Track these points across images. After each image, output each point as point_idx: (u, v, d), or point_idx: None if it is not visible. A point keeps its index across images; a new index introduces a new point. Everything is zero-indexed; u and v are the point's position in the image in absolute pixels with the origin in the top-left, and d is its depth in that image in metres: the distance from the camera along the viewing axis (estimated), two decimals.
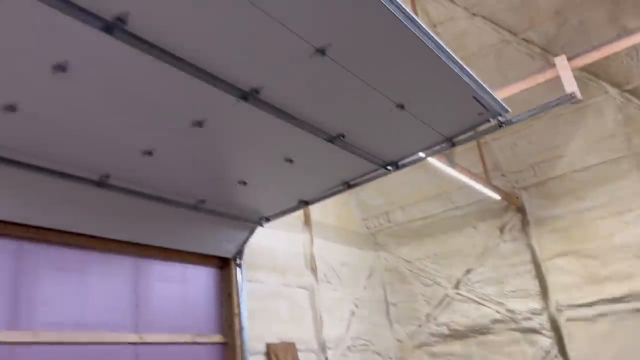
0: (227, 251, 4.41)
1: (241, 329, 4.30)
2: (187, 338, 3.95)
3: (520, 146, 6.22)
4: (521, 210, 6.38)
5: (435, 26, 5.67)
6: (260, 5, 1.97)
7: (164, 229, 3.86)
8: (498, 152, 6.37)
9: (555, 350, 5.78)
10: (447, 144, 3.40)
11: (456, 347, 6.52)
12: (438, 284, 6.83)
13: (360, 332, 6.30)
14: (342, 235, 6.75)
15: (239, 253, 4.51)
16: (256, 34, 2.14)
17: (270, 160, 3.31)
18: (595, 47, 3.60)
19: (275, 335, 4.93)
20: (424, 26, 2.29)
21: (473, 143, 6.01)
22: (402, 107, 2.89)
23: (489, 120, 3.15)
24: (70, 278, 3.38)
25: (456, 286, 6.66)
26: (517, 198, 6.39)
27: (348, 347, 5.96)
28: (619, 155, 5.74)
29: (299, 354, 5.08)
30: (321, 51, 2.30)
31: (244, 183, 3.60)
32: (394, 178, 5.24)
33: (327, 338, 5.61)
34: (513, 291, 6.20)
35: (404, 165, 3.66)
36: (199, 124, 2.75)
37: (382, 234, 7.44)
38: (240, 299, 4.41)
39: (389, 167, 3.66)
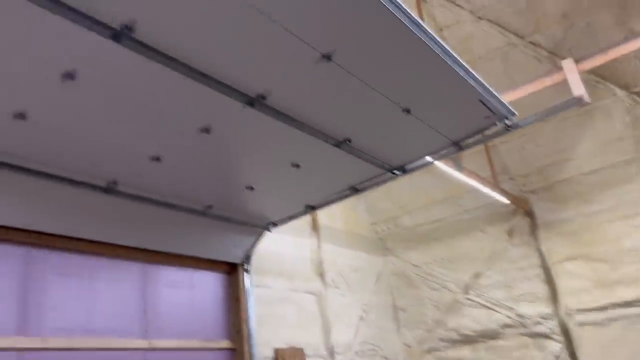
0: (234, 256, 4.42)
1: (249, 334, 4.29)
2: (195, 344, 3.95)
3: (528, 149, 6.19)
4: (529, 213, 6.34)
5: (441, 30, 5.67)
6: (266, 12, 1.99)
7: (172, 235, 3.88)
8: (506, 155, 6.34)
9: (565, 355, 5.72)
10: (454, 147, 3.39)
11: (465, 352, 6.48)
12: (447, 289, 6.80)
13: (368, 337, 6.28)
14: (350, 240, 6.74)
15: (247, 258, 4.51)
16: (262, 40, 2.16)
17: (277, 166, 3.32)
18: (602, 50, 3.58)
19: (284, 340, 4.92)
20: (429, 31, 2.29)
21: (481, 147, 5.99)
22: (408, 111, 2.89)
23: (495, 124, 3.14)
24: (78, 284, 3.39)
25: (465, 291, 6.62)
26: (526, 201, 6.36)
27: (356, 352, 5.94)
28: (628, 157, 5.70)
29: None
30: (327, 57, 2.31)
31: (251, 188, 3.61)
32: (402, 182, 5.25)
33: (335, 343, 5.59)
34: (522, 295, 6.16)
35: (411, 170, 3.66)
36: (206, 130, 2.76)
37: (390, 238, 7.42)
38: (248, 305, 4.41)
39: (396, 172, 3.66)
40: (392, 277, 7.29)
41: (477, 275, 6.56)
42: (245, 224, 4.18)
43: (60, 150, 2.73)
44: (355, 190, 3.86)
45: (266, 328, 4.72)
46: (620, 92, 5.53)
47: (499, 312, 6.28)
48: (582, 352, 5.60)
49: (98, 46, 2.00)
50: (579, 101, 3.14)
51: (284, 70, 2.38)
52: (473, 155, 5.78)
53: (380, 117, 2.94)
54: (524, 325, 6.07)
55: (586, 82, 3.76)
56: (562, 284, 5.92)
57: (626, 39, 3.67)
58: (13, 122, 2.39)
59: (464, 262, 6.71)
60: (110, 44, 1.99)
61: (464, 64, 2.58)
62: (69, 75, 2.15)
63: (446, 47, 2.43)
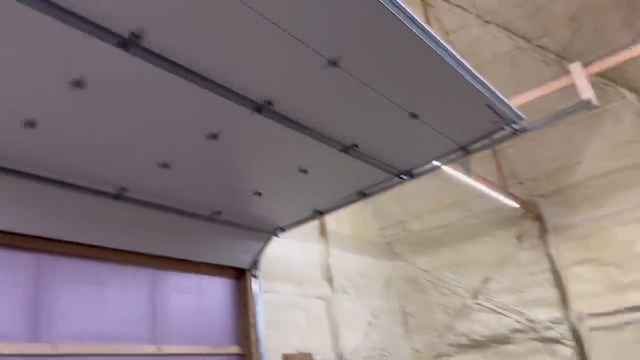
0: (243, 262, 4.43)
1: (258, 339, 4.29)
2: (204, 349, 3.96)
3: (537, 153, 6.16)
4: (539, 218, 6.30)
5: (448, 34, 5.67)
6: (273, 19, 2.00)
7: (181, 241, 3.89)
8: (514, 159, 6.32)
9: None
10: (462, 152, 3.39)
11: (475, 357, 6.44)
12: (456, 294, 6.76)
13: (377, 343, 6.26)
14: (358, 245, 6.73)
15: (255, 264, 4.52)
16: (269, 47, 2.17)
17: (285, 171, 3.33)
18: (610, 53, 3.57)
19: (292, 346, 4.92)
20: (435, 36, 2.30)
21: (489, 151, 5.98)
22: (415, 116, 2.89)
23: (503, 128, 3.13)
24: (88, 290, 3.41)
25: (474, 295, 6.59)
26: (535, 206, 6.32)
27: (365, 358, 5.92)
28: (638, 160, 5.65)
29: None
30: (333, 63, 2.32)
31: (259, 194, 3.62)
32: (410, 187, 5.23)
33: (344, 349, 5.58)
34: (532, 300, 6.12)
35: (419, 174, 3.65)
36: (214, 136, 2.78)
37: (399, 243, 7.40)
38: (256, 310, 4.41)
39: (403, 177, 3.65)
40: (400, 282, 7.27)
41: (486, 280, 6.53)
42: (253, 230, 4.19)
43: (70, 158, 2.76)
44: (363, 195, 3.86)
45: (275, 333, 4.72)
46: (629, 95, 5.49)
47: (509, 317, 6.24)
48: (594, 357, 5.55)
49: (107, 54, 2.02)
50: (587, 105, 3.13)
51: (291, 76, 2.40)
52: (481, 159, 5.76)
53: (387, 122, 2.94)
54: (534, 330, 6.03)
55: (595, 85, 3.74)
56: (572, 288, 5.87)
57: (634, 42, 3.66)
58: (23, 130, 2.41)
59: (473, 267, 6.68)
60: (118, 52, 2.01)
61: (470, 68, 2.58)
62: (78, 84, 2.17)
63: (453, 52, 2.43)
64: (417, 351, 6.86)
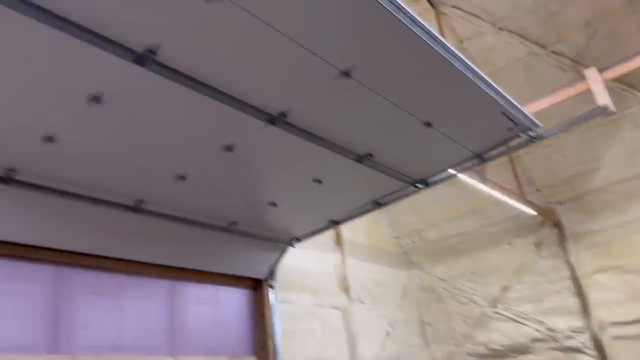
0: (259, 272, 4.44)
1: (275, 350, 4.29)
2: None
3: (554, 160, 6.10)
4: (558, 225, 6.22)
5: (461, 42, 5.66)
6: (285, 32, 2.02)
7: (198, 252, 3.92)
8: (531, 166, 6.26)
9: None
10: (478, 160, 3.37)
11: None
12: (474, 303, 6.70)
13: (395, 353, 6.21)
14: (374, 254, 6.71)
15: (271, 274, 4.52)
16: (282, 59, 2.19)
17: (300, 182, 3.34)
18: (626, 58, 3.53)
19: (310, 356, 4.91)
20: (448, 45, 2.30)
21: (505, 158, 5.93)
22: (429, 125, 2.88)
23: (519, 136, 3.11)
24: (107, 302, 3.45)
25: (493, 304, 6.51)
26: (553, 213, 6.25)
27: None
28: None
29: None
30: (346, 73, 2.33)
31: (275, 204, 3.64)
32: (426, 195, 5.21)
33: (361, 359, 5.55)
34: (552, 309, 6.03)
35: (434, 183, 3.63)
36: (229, 148, 2.81)
37: (416, 252, 7.36)
38: (273, 320, 4.41)
39: (418, 185, 3.64)
40: (418, 291, 7.22)
41: (505, 289, 6.45)
42: (269, 240, 4.21)
43: (88, 171, 2.80)
44: (378, 204, 3.85)
45: (291, 344, 4.71)
46: None
47: (529, 326, 6.15)
48: None
49: (123, 70, 2.06)
50: (603, 111, 3.10)
51: (304, 87, 2.41)
52: (497, 166, 5.72)
53: (401, 132, 2.94)
54: (554, 340, 5.93)
55: (612, 91, 3.71)
56: (593, 296, 5.77)
57: None
58: (43, 145, 2.46)
59: (491, 275, 6.61)
60: (134, 67, 2.05)
61: (485, 77, 2.57)
62: (96, 99, 2.21)
63: (466, 60, 2.43)
64: None
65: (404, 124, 2.84)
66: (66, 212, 3.00)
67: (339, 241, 6.07)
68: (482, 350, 6.46)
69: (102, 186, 2.98)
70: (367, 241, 6.73)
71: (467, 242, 6.91)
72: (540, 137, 3.10)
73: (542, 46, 5.33)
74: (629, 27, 4.82)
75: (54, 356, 3.02)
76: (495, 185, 4.94)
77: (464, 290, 6.81)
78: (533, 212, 5.84)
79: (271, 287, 4.52)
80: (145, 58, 2.02)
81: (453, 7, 5.55)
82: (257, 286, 4.53)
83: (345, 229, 6.17)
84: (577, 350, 5.76)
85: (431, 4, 5.70)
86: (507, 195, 5.18)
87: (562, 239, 6.16)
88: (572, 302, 5.91)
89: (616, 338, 5.52)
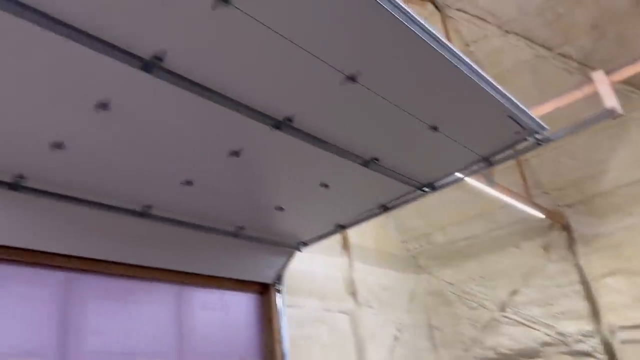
0: (266, 277, 4.44)
1: (282, 355, 4.29)
2: None
3: (562, 162, 6.07)
4: (567, 228, 6.18)
5: (468, 45, 5.65)
6: (290, 37, 2.03)
7: (205, 256, 3.93)
8: (539, 169, 6.23)
9: None
10: (485, 163, 3.36)
11: None
12: (483, 306, 6.66)
13: (403, 358, 6.19)
14: (381, 258, 6.70)
15: (279, 278, 4.53)
16: (288, 65, 2.20)
17: (306, 186, 3.34)
18: (634, 60, 3.51)
19: None
20: (454, 48, 2.30)
21: (512, 161, 5.91)
22: (435, 128, 2.88)
23: (526, 139, 3.10)
24: (116, 307, 3.46)
25: (502, 308, 6.48)
26: (562, 216, 6.21)
27: None
28: None
29: None
30: (352, 78, 2.34)
31: (281, 209, 3.65)
32: (433, 199, 5.21)
33: None
34: (562, 313, 5.98)
35: (441, 187, 3.63)
36: (236, 153, 2.82)
37: (423, 256, 7.34)
38: (281, 325, 4.41)
39: (425, 189, 3.63)
40: (426, 295, 7.19)
41: (513, 293, 6.41)
42: (276, 244, 4.21)
43: (96, 177, 2.82)
44: (385, 208, 3.85)
45: (299, 348, 4.70)
46: None
47: (538, 330, 6.11)
48: None
49: (129, 76, 2.08)
50: (611, 113, 3.08)
51: (310, 93, 2.42)
52: (505, 170, 5.71)
53: (407, 136, 2.94)
54: (564, 344, 5.89)
55: (620, 93, 3.68)
56: (603, 300, 5.72)
57: None
58: (51, 152, 2.49)
59: (499, 279, 6.58)
60: (141, 74, 2.06)
61: (490, 80, 2.57)
62: (103, 105, 2.23)
63: (472, 64, 2.43)
64: None
65: (410, 128, 2.84)
66: (74, 218, 3.02)
67: (346, 245, 6.07)
68: (491, 354, 6.42)
69: (110, 192, 3.00)
70: (375, 245, 6.72)
71: (475, 245, 6.88)
72: (547, 140, 3.09)
73: (549, 49, 5.31)
74: (637, 29, 4.80)
75: None
76: (503, 188, 4.92)
77: (473, 294, 6.78)
78: (541, 215, 5.81)
79: (278, 291, 4.53)
80: (152, 65, 2.04)
81: (459, 10, 5.55)
82: (264, 291, 4.53)
83: (353, 233, 6.17)
84: (587, 354, 5.72)
85: (437, 8, 5.71)
86: (515, 198, 5.16)
87: (571, 242, 6.12)
88: (582, 305, 5.86)
89: (626, 342, 5.47)
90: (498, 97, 2.65)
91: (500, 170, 5.12)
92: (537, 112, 3.80)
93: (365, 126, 2.79)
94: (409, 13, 2.05)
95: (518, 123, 2.91)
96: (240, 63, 2.16)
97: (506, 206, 5.98)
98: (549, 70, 5.42)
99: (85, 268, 3.32)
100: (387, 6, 1.95)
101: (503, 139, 3.12)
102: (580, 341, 5.78)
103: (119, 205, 3.11)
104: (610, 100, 3.17)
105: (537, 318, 6.14)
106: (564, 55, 5.29)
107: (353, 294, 5.82)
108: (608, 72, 3.46)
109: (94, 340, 3.26)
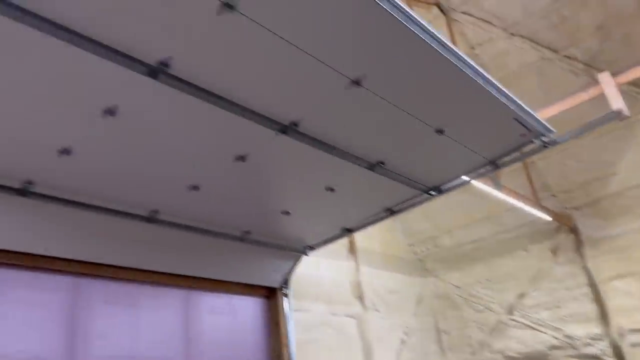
0: (273, 281, 4.45)
1: (290, 359, 4.28)
2: None
3: (569, 165, 6.04)
4: (574, 230, 6.15)
5: (473, 48, 5.65)
6: (295, 42, 2.04)
7: (212, 261, 3.94)
8: (546, 171, 6.21)
9: None
10: (491, 166, 3.35)
11: None
12: (490, 310, 6.63)
13: None
14: (388, 262, 6.69)
15: (285, 282, 4.53)
16: (292, 69, 2.21)
17: (312, 190, 3.35)
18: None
19: None
20: (458, 52, 2.30)
21: (519, 164, 5.89)
22: (441, 132, 2.88)
23: (532, 141, 3.09)
24: (123, 312, 3.48)
25: (509, 311, 6.45)
26: (569, 218, 6.18)
27: None
28: None
29: None
30: (356, 82, 2.34)
31: (288, 213, 3.65)
32: (439, 202, 5.19)
33: None
34: (570, 316, 5.95)
35: (447, 190, 3.62)
36: (242, 158, 2.83)
37: (430, 259, 7.32)
38: (288, 329, 4.41)
39: (432, 192, 3.63)
40: (433, 299, 7.17)
41: (521, 296, 6.38)
42: (283, 249, 4.22)
43: (103, 183, 2.84)
44: (391, 212, 3.84)
45: (306, 353, 4.70)
46: None
47: (546, 333, 6.07)
48: None
49: (136, 83, 2.09)
50: (617, 115, 3.07)
51: (315, 97, 2.43)
52: (511, 172, 5.69)
53: (413, 139, 2.94)
54: (573, 347, 5.85)
55: (627, 94, 3.67)
56: (612, 303, 5.68)
57: None
58: (59, 158, 2.51)
59: (507, 282, 6.55)
60: (147, 80, 2.08)
61: (496, 83, 2.56)
62: (110, 112, 2.25)
63: (477, 67, 2.43)
64: None
65: (416, 131, 2.84)
66: (82, 224, 3.04)
67: (352, 249, 6.06)
68: (499, 358, 6.39)
69: (117, 197, 3.01)
70: (381, 249, 6.71)
71: (482, 248, 6.85)
72: (553, 143, 3.08)
73: (555, 51, 5.30)
74: None
75: None
76: (509, 191, 4.90)
77: (480, 297, 6.75)
78: (548, 218, 5.78)
79: (285, 295, 4.52)
80: (158, 71, 2.06)
81: (464, 13, 5.55)
82: (271, 295, 4.53)
83: (359, 236, 6.16)
84: (596, 357, 5.67)
85: (442, 11, 5.71)
86: (522, 201, 5.14)
87: (578, 245, 6.08)
88: (590, 308, 5.83)
89: (636, 345, 5.42)
90: (504, 99, 2.65)
91: (506, 173, 5.10)
92: (543, 115, 3.79)
93: (370, 130, 2.79)
94: (413, 17, 2.05)
95: (524, 125, 2.90)
96: (246, 68, 2.17)
97: (513, 209, 5.96)
98: (555, 72, 5.40)
99: (93, 273, 3.34)
100: (391, 10, 1.96)
101: (509, 142, 3.11)
102: (589, 344, 5.74)
103: (126, 210, 3.13)
104: (617, 102, 3.15)
105: (545, 321, 6.11)
106: (569, 57, 5.28)
107: (360, 297, 5.82)
108: (614, 74, 3.45)
109: (102, 345, 3.28)
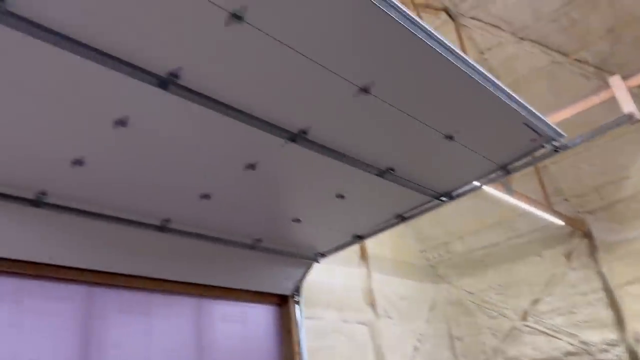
0: (285, 288, 4.45)
1: None
2: None
3: (582, 168, 5.99)
4: (588, 235, 6.09)
5: (482, 53, 5.64)
6: (303, 51, 2.06)
7: (224, 269, 3.96)
8: (558, 175, 6.15)
9: None
10: (502, 171, 3.33)
11: None
12: (504, 316, 6.57)
13: None
14: (400, 268, 6.66)
15: (297, 290, 4.53)
16: (301, 78, 2.22)
17: (322, 198, 3.35)
18: None
19: None
20: (466, 57, 2.30)
21: (531, 168, 5.85)
22: (451, 137, 2.87)
23: (543, 146, 3.07)
24: (137, 320, 3.50)
25: (523, 317, 6.38)
26: (583, 223, 6.11)
27: None
28: None
29: None
30: (365, 90, 2.35)
31: (298, 221, 3.66)
32: (451, 208, 5.16)
33: None
34: (585, 321, 5.87)
35: (458, 196, 3.60)
36: (252, 166, 2.85)
37: (443, 265, 7.27)
38: (300, 336, 4.40)
39: (443, 198, 3.61)
40: (446, 305, 7.12)
41: (535, 301, 6.32)
42: (294, 256, 4.22)
43: (115, 193, 2.87)
44: (402, 218, 3.83)
45: None
46: None
47: (561, 339, 6.00)
48: None
49: (146, 94, 2.12)
50: (629, 118, 3.04)
51: (324, 105, 2.44)
52: (523, 177, 5.65)
53: (422, 145, 2.93)
54: (588, 353, 5.77)
55: (637, 97, 3.63)
56: (628, 308, 5.61)
57: None
58: (72, 169, 2.54)
59: (520, 288, 6.49)
60: (158, 91, 2.10)
61: (505, 88, 2.56)
62: (121, 122, 2.28)
63: (485, 73, 2.42)
64: None
65: (425, 138, 2.84)
66: (95, 233, 3.08)
67: (364, 256, 6.05)
68: None
69: (129, 207, 3.04)
70: (393, 255, 6.69)
71: (495, 254, 6.80)
72: (564, 147, 3.05)
73: (565, 54, 5.27)
74: None
75: None
76: (521, 196, 4.87)
77: (493, 303, 6.69)
78: (561, 223, 5.73)
79: (297, 303, 4.52)
80: (168, 82, 2.08)
81: (472, 18, 5.54)
82: (282, 302, 4.53)
83: (370, 243, 6.15)
84: None
85: (450, 16, 5.71)
86: (534, 206, 5.10)
87: (592, 250, 6.02)
88: (606, 314, 5.75)
89: None
90: (513, 104, 2.64)
91: (518, 178, 5.06)
92: (554, 119, 3.77)
93: (379, 137, 2.80)
94: (420, 24, 2.06)
95: (534, 130, 2.89)
96: (254, 78, 2.19)
97: (525, 214, 5.92)
98: (566, 76, 5.37)
99: (106, 282, 3.37)
100: (398, 18, 1.96)
101: (520, 147, 3.09)
102: (605, 350, 5.66)
103: (138, 219, 3.16)
104: (628, 105, 3.13)
105: (560, 327, 6.04)
106: (580, 61, 5.24)
107: (372, 304, 5.80)
108: (625, 77, 3.42)
109: (116, 354, 3.30)
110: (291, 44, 2.01)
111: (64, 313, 3.14)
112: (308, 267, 4.45)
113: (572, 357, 5.87)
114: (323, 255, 4.39)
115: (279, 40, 1.98)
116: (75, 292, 3.24)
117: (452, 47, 2.22)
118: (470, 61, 2.32)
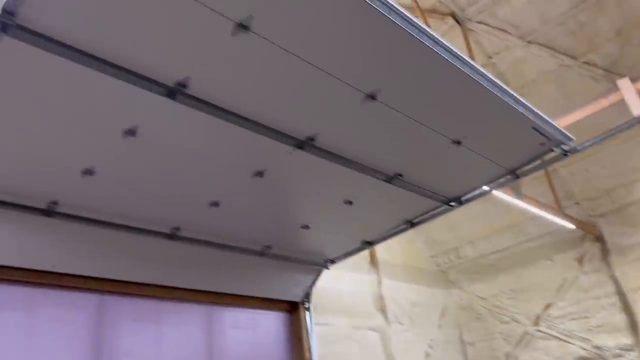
0: (295, 295, 4.45)
1: None
2: None
3: (592, 172, 5.94)
4: (600, 239, 6.03)
5: (490, 57, 5.63)
6: (309, 59, 2.07)
7: (234, 276, 3.97)
8: (569, 179, 6.11)
9: None
10: (511, 176, 3.32)
11: None
12: (516, 321, 6.52)
13: None
14: (410, 274, 6.63)
15: (307, 296, 4.52)
16: (308, 86, 2.24)
17: (331, 204, 3.36)
18: None
19: None
20: (473, 63, 2.30)
21: (541, 172, 5.81)
22: (459, 143, 2.87)
23: (552, 150, 3.05)
24: (148, 328, 3.51)
25: (536, 322, 6.33)
26: (594, 226, 6.06)
27: None
28: None
29: None
30: (371, 96, 2.36)
31: (307, 227, 3.66)
32: (461, 212, 5.15)
33: None
34: (599, 326, 5.81)
35: (468, 201, 3.59)
36: (260, 174, 2.86)
37: (453, 270, 7.23)
38: (310, 343, 4.39)
39: (452, 204, 3.60)
40: (457, 310, 7.08)
41: (547, 306, 6.26)
42: (303, 263, 4.22)
43: (126, 201, 2.90)
44: (411, 224, 3.82)
45: None
46: None
47: (574, 344, 5.94)
48: None
49: (155, 104, 2.14)
50: (639, 121, 3.02)
51: (330, 112, 2.45)
52: (533, 181, 5.61)
53: (430, 151, 2.93)
54: (602, 358, 5.70)
55: None
56: None
57: None
58: (82, 179, 2.57)
59: (532, 293, 6.43)
60: (166, 101, 2.13)
61: (512, 92, 2.55)
62: (130, 132, 2.30)
63: (492, 77, 2.42)
64: None
65: (433, 143, 2.84)
66: (106, 242, 3.10)
67: (373, 262, 6.03)
68: None
69: (139, 215, 3.07)
70: (403, 261, 6.66)
71: (506, 258, 6.75)
72: (574, 151, 3.04)
73: (573, 57, 5.25)
74: None
75: None
76: (531, 200, 4.84)
77: (505, 308, 6.64)
78: (573, 226, 5.68)
79: (307, 309, 4.52)
80: (176, 92, 2.10)
81: (479, 23, 5.54)
82: (293, 309, 4.53)
83: (380, 249, 6.13)
84: None
85: (457, 21, 5.71)
86: (545, 209, 5.07)
87: (605, 253, 5.96)
88: (619, 318, 5.68)
89: None
90: (521, 109, 2.63)
91: (528, 182, 5.03)
92: (563, 122, 3.75)
93: (387, 143, 2.80)
94: (426, 30, 2.06)
95: (543, 134, 2.88)
96: (261, 86, 2.21)
97: (536, 218, 5.88)
98: (574, 78, 5.34)
99: (117, 290, 3.39)
100: (403, 24, 1.97)
101: (529, 151, 3.08)
102: (619, 355, 5.59)
103: (148, 228, 3.18)
104: (638, 108, 3.11)
105: (573, 332, 5.97)
106: (588, 64, 5.22)
107: (382, 310, 5.78)
108: (634, 79, 3.40)
109: None
110: (297, 52, 2.03)
111: (75, 321, 3.16)
112: (318, 274, 4.45)
113: None
114: (332, 261, 4.39)
115: (285, 49, 2.00)
116: (86, 301, 3.26)
117: (458, 52, 2.22)
118: (476, 66, 2.33)
